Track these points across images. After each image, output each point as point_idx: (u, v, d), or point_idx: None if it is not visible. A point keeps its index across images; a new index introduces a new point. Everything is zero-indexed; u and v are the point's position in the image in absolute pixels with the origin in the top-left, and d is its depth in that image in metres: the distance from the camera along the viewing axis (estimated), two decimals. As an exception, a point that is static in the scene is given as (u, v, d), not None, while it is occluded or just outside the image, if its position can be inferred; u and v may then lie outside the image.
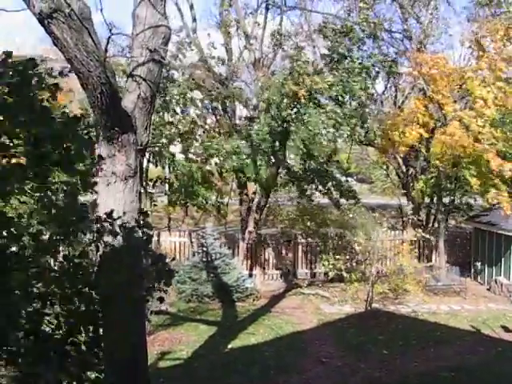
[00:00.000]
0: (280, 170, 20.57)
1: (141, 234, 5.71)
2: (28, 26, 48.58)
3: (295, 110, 18.61)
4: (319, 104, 18.47)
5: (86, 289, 4.92)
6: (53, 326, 4.69)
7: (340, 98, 18.70)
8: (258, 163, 18.76)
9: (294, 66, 18.54)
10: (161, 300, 5.66)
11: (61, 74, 5.70)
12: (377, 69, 20.58)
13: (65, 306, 4.78)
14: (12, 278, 4.41)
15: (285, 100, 18.51)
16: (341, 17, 19.87)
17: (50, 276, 4.65)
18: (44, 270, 4.67)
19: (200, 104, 23.22)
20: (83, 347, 4.83)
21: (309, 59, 19.65)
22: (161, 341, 14.21)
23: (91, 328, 4.93)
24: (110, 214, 5.42)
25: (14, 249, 4.60)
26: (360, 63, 19.02)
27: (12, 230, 4.61)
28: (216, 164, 21.27)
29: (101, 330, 5.12)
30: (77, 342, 4.72)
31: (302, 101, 18.12)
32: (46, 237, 4.79)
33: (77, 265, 4.82)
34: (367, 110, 19.89)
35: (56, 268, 4.78)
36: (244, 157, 18.66)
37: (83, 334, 4.83)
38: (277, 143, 18.94)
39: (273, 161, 19.59)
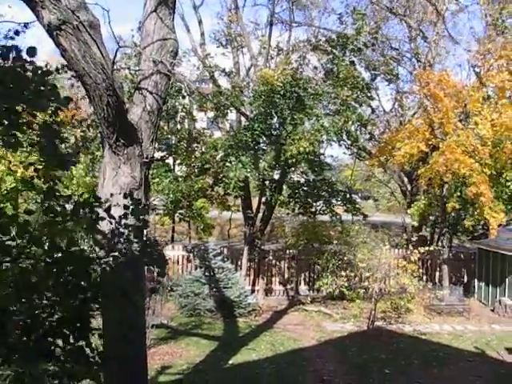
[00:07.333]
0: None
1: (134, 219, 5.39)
2: (37, 39, 48.77)
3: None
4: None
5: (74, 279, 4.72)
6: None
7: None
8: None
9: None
10: (152, 291, 5.37)
11: None
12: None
13: (52, 297, 4.63)
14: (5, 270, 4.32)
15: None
16: (342, 32, 19.86)
17: (43, 267, 4.51)
18: (37, 262, 4.53)
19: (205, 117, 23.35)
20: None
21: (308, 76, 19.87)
22: (161, 355, 14.09)
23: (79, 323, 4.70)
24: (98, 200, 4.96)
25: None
26: (357, 77, 19.11)
27: None
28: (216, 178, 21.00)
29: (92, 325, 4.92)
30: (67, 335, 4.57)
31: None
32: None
33: (67, 253, 4.62)
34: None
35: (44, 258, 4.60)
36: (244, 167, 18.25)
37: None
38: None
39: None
